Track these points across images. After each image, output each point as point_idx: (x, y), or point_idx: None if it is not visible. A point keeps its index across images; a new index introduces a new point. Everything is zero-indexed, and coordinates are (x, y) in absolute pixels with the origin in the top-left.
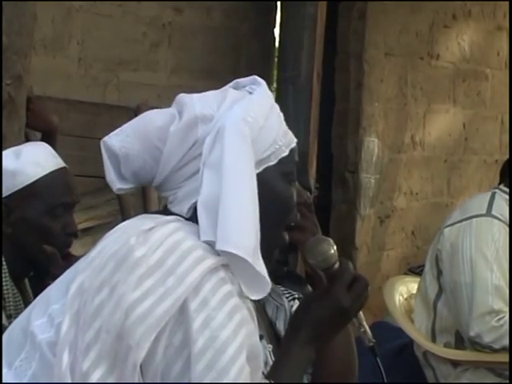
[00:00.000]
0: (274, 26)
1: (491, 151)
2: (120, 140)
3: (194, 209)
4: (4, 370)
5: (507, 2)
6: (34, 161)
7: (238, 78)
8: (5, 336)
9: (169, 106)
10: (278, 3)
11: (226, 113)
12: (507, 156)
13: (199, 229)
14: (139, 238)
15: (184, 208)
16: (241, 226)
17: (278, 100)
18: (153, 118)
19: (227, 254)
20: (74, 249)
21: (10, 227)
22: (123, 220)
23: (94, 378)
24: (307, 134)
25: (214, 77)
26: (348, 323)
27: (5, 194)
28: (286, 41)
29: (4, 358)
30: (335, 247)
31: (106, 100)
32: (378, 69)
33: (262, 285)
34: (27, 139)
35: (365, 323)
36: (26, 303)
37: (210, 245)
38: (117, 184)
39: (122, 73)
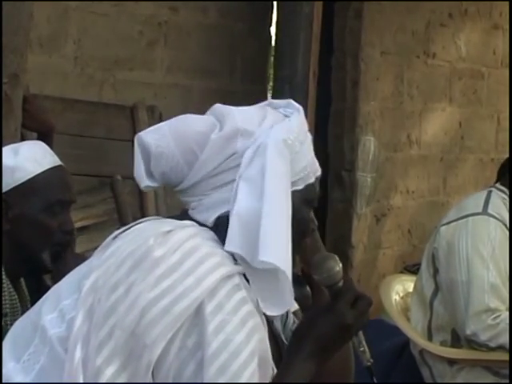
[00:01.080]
0: (270, 25)
1: (487, 150)
2: (156, 138)
3: (219, 219)
4: (11, 364)
5: (503, 2)
6: (31, 157)
7: (234, 76)
8: (13, 330)
9: (165, 104)
10: (275, 2)
11: (267, 131)
12: (503, 155)
13: (227, 238)
14: (158, 239)
15: (210, 217)
16: (280, 242)
17: (274, 99)
18: (193, 122)
19: (251, 267)
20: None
21: (8, 224)
22: (119, 219)
23: (107, 374)
24: None
25: (210, 76)
26: (350, 340)
27: (4, 189)
28: (283, 40)
29: (12, 351)
30: (341, 265)
31: (102, 99)
32: (375, 67)
33: (283, 301)
34: (23, 139)
35: (364, 342)
36: (22, 302)
37: (228, 253)
38: (145, 181)
39: (118, 71)
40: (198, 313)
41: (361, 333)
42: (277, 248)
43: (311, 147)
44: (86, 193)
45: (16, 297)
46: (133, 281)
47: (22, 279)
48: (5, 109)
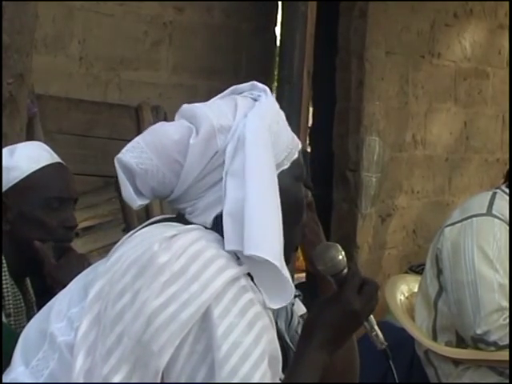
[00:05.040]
0: (275, 25)
1: (492, 150)
2: (135, 156)
3: (217, 219)
4: (21, 369)
5: (508, 1)
6: (27, 156)
7: (239, 76)
8: (25, 333)
9: (169, 104)
10: (279, 2)
11: (243, 121)
12: (509, 155)
13: (224, 238)
14: (162, 245)
15: (208, 218)
16: (267, 232)
17: (277, 99)
18: (167, 132)
19: (252, 261)
20: (75, 247)
21: (8, 224)
22: (124, 219)
23: (115, 382)
24: (298, 133)
25: (215, 76)
26: (360, 326)
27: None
28: (283, 40)
29: (23, 355)
30: (343, 253)
31: (107, 99)
32: (379, 67)
33: (286, 291)
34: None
35: (376, 327)
36: (27, 303)
37: (232, 254)
38: (136, 200)
39: (123, 71)
40: (205, 318)
41: (372, 317)
42: (263, 239)
43: (286, 123)
44: (91, 193)
45: (20, 297)
46: (138, 288)
47: (27, 280)
48: (10, 109)
